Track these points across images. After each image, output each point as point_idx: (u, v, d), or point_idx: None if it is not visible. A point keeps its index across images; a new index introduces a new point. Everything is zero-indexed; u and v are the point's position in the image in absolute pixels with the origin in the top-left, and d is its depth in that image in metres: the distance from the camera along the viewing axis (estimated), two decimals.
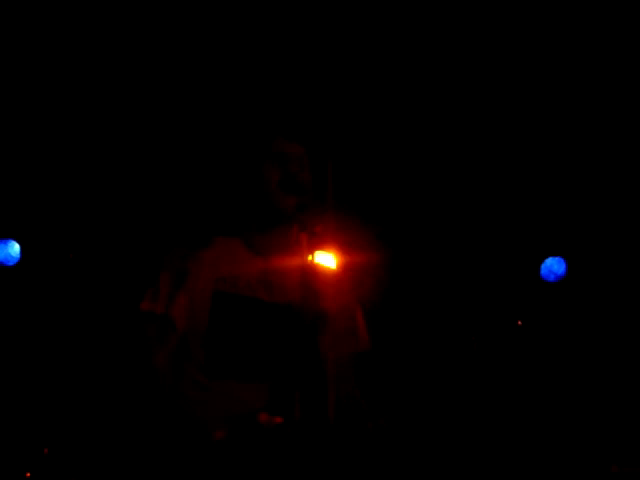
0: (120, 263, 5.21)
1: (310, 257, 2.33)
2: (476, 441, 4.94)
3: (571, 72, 4.62)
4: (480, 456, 4.94)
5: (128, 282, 5.00)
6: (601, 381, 5.20)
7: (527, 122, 4.89)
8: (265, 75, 4.56)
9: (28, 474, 4.49)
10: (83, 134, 4.99)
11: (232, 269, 2.36)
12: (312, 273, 2.31)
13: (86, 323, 5.24)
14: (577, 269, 5.33)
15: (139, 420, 2.26)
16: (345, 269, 2.46)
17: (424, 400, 5.08)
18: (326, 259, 2.34)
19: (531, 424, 5.14)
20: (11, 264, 5.20)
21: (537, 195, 5.21)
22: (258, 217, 2.42)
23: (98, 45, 4.45)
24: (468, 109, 4.89)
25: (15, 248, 5.20)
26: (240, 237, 2.44)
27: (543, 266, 5.31)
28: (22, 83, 4.68)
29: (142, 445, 2.25)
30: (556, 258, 5.31)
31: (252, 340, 2.28)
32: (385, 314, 4.95)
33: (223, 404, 2.22)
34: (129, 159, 5.09)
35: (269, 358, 2.27)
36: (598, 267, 5.31)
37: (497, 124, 4.92)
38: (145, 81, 4.63)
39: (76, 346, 5.22)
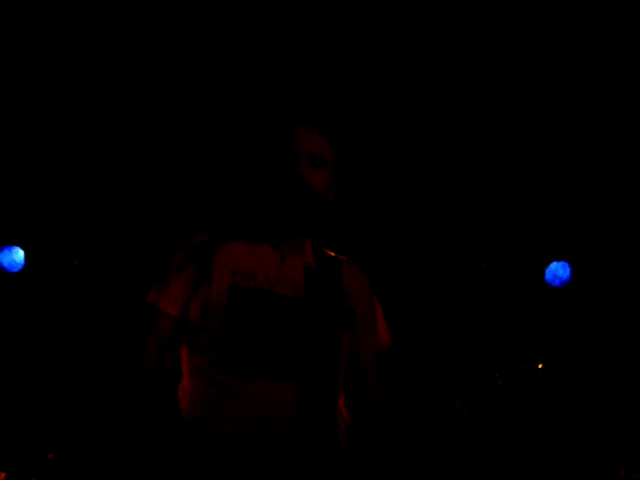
0: (124, 269, 5.21)
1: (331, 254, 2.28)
2: (481, 442, 4.93)
3: (571, 74, 4.63)
4: (486, 458, 4.93)
5: (132, 288, 4.99)
6: (607, 385, 5.19)
7: (531, 126, 4.90)
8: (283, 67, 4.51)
9: (34, 479, 4.48)
10: (86, 139, 4.99)
11: (250, 263, 2.16)
12: (335, 269, 2.24)
13: (90, 329, 5.24)
14: (582, 274, 5.33)
15: (137, 421, 2.13)
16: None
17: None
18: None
19: (538, 428, 5.13)
20: (15, 270, 5.20)
21: (541, 199, 5.21)
22: (268, 219, 2.21)
23: (118, 43, 4.44)
24: (469, 114, 4.90)
25: (19, 254, 5.20)
26: (257, 233, 2.24)
27: (548, 271, 5.31)
28: (27, 88, 4.68)
29: (143, 447, 2.15)
30: (561, 263, 5.31)
31: (278, 335, 2.09)
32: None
33: (248, 404, 2.04)
34: (132, 163, 5.09)
35: (298, 354, 2.09)
36: (603, 272, 5.31)
37: (500, 128, 4.93)
38: (155, 80, 4.62)
39: (80, 352, 5.21)
